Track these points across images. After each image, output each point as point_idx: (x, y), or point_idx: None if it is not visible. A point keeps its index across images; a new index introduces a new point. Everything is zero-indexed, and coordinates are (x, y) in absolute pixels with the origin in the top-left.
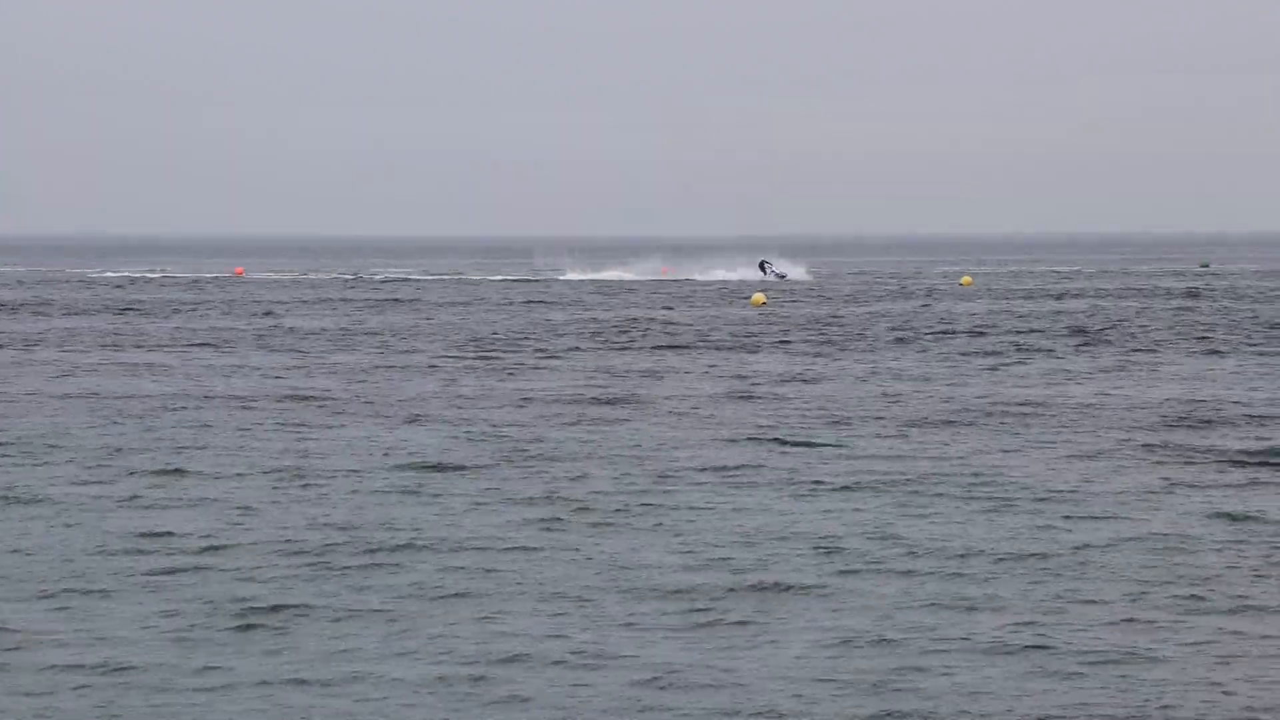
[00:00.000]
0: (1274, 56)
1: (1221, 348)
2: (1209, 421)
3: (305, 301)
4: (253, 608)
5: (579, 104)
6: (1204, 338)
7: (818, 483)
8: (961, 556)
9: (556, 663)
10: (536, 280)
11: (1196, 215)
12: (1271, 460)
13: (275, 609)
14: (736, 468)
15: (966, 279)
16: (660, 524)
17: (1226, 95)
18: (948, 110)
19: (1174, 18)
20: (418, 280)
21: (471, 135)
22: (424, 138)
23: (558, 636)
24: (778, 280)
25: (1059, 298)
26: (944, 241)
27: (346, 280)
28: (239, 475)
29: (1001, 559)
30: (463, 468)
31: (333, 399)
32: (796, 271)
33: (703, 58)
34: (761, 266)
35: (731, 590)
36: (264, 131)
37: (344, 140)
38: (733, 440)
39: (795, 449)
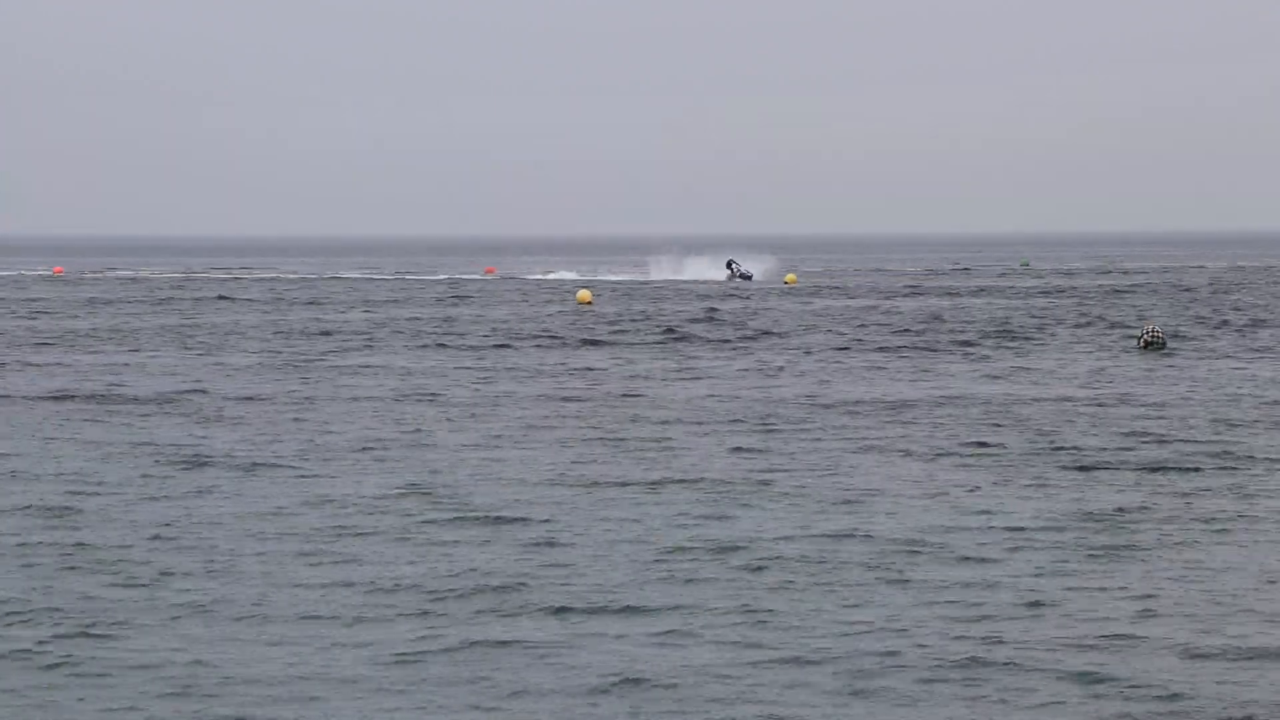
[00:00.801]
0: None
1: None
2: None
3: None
4: None
5: (578, 102)
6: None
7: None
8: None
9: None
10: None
11: (1197, 213)
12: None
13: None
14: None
15: (790, 276)
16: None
17: (1228, 92)
18: (949, 110)
19: (1174, 15)
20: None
21: (472, 134)
22: (424, 137)
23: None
24: (744, 281)
25: (852, 296)
26: (944, 240)
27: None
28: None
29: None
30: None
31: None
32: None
33: (704, 57)
34: (729, 266)
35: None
36: (264, 131)
37: (344, 140)
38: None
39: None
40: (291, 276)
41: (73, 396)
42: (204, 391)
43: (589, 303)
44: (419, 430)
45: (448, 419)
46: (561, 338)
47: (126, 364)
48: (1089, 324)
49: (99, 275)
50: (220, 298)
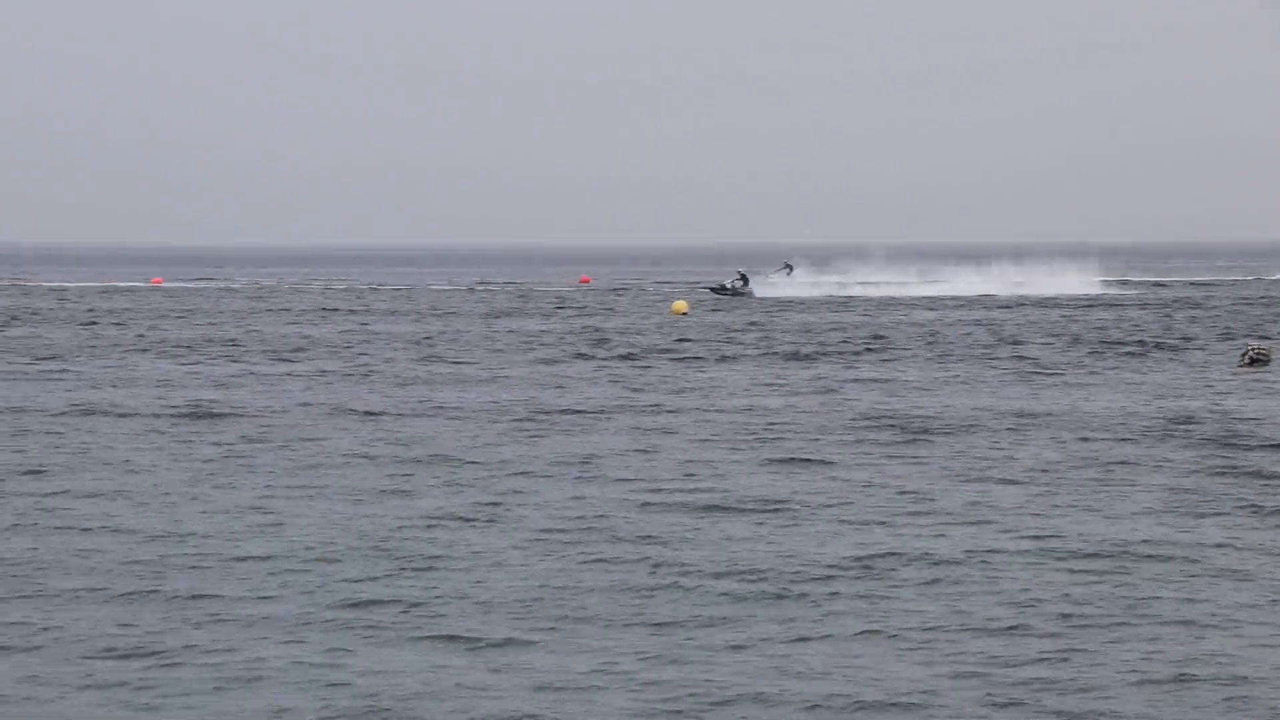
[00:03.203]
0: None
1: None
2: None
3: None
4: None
5: (600, 116)
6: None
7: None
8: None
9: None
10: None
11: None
12: None
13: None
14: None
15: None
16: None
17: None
18: (967, 119)
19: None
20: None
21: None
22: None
23: None
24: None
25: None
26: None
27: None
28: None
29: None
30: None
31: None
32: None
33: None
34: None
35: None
36: (291, 142)
37: (350, 153)
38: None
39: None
40: (388, 287)
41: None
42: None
43: (684, 313)
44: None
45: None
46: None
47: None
48: (1189, 338)
49: (203, 283)
50: (365, 309)
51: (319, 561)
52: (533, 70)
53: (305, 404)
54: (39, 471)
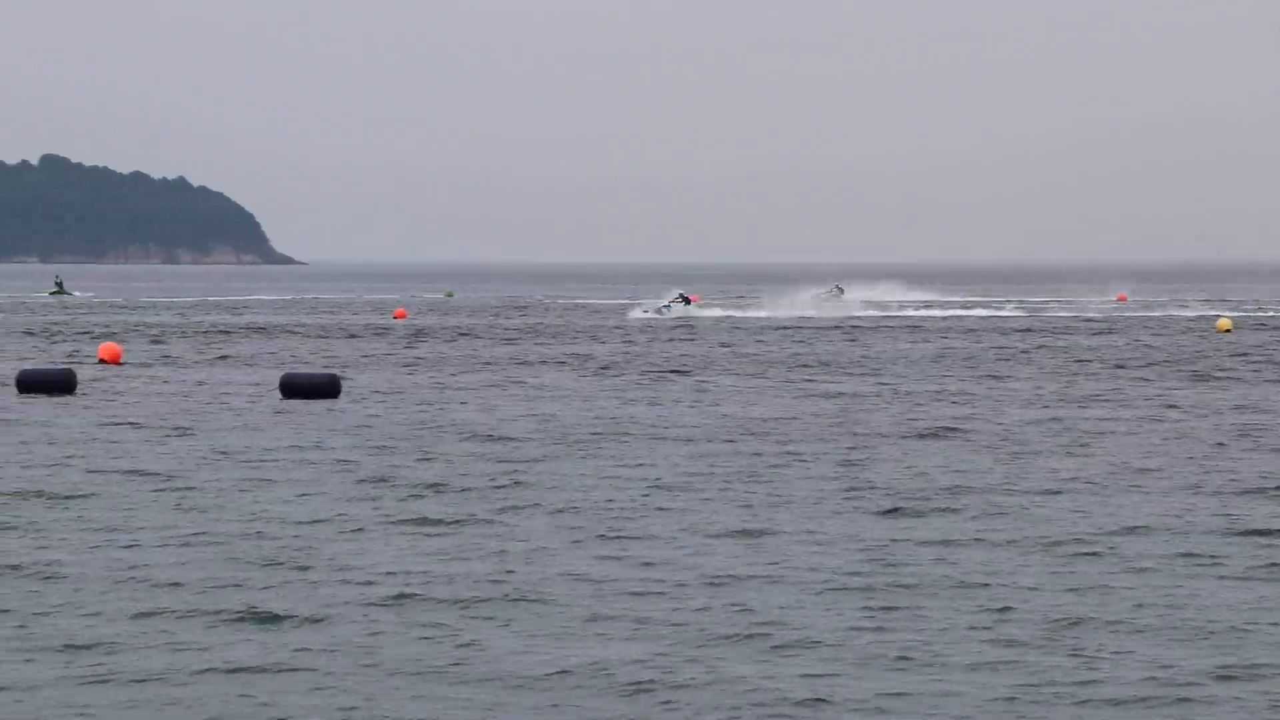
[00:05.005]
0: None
1: None
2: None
3: None
4: None
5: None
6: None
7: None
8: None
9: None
10: None
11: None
12: None
13: None
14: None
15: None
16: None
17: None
18: (967, 120)
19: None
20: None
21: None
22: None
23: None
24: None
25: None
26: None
27: None
28: None
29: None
30: None
31: None
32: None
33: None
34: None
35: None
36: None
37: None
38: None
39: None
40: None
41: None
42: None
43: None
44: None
45: None
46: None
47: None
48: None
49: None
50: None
51: None
52: (533, 70)
53: None
54: None
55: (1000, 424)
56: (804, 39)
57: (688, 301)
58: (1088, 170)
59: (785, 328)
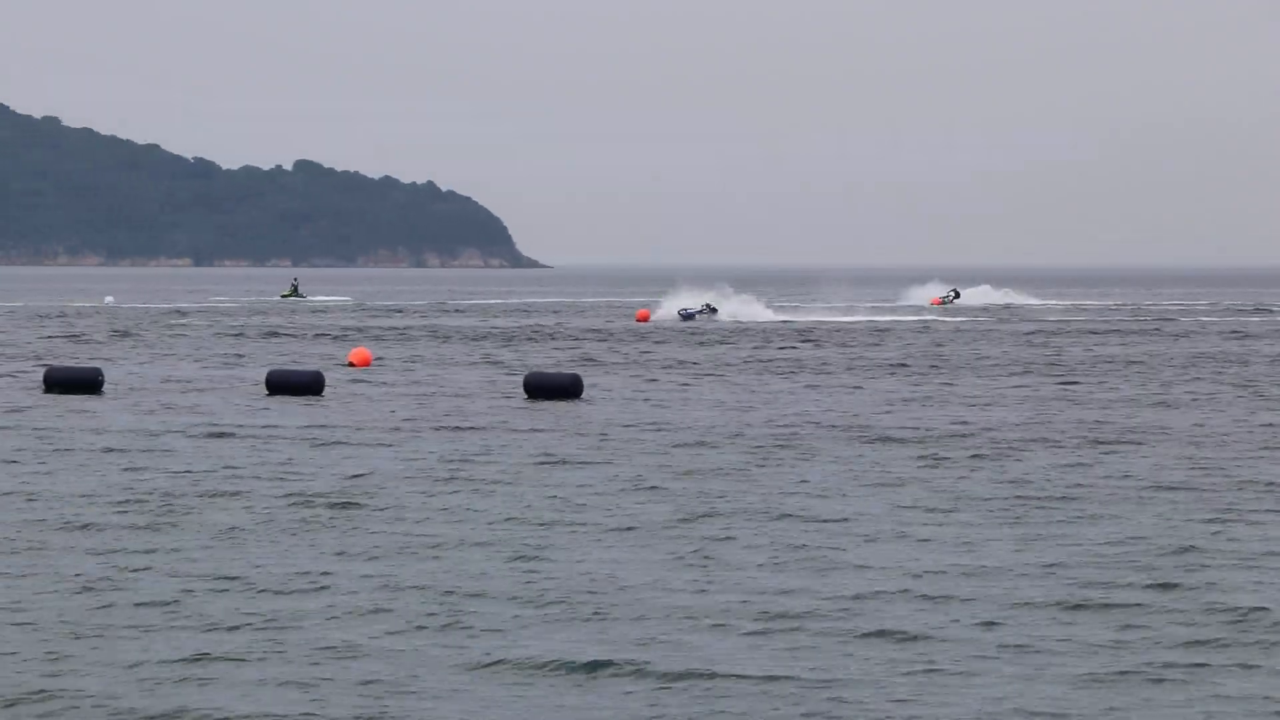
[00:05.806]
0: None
1: None
2: None
3: None
4: None
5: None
6: None
7: None
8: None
9: None
10: None
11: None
12: None
13: None
14: None
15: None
16: None
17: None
18: (967, 120)
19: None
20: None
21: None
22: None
23: None
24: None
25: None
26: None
27: None
28: None
29: None
30: None
31: None
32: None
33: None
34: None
35: None
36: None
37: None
38: None
39: None
40: None
41: None
42: None
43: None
44: None
45: None
46: None
47: None
48: None
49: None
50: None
51: None
52: (533, 70)
53: None
54: None
55: None
56: (804, 39)
57: (715, 311)
58: (1088, 170)
59: (1029, 331)
